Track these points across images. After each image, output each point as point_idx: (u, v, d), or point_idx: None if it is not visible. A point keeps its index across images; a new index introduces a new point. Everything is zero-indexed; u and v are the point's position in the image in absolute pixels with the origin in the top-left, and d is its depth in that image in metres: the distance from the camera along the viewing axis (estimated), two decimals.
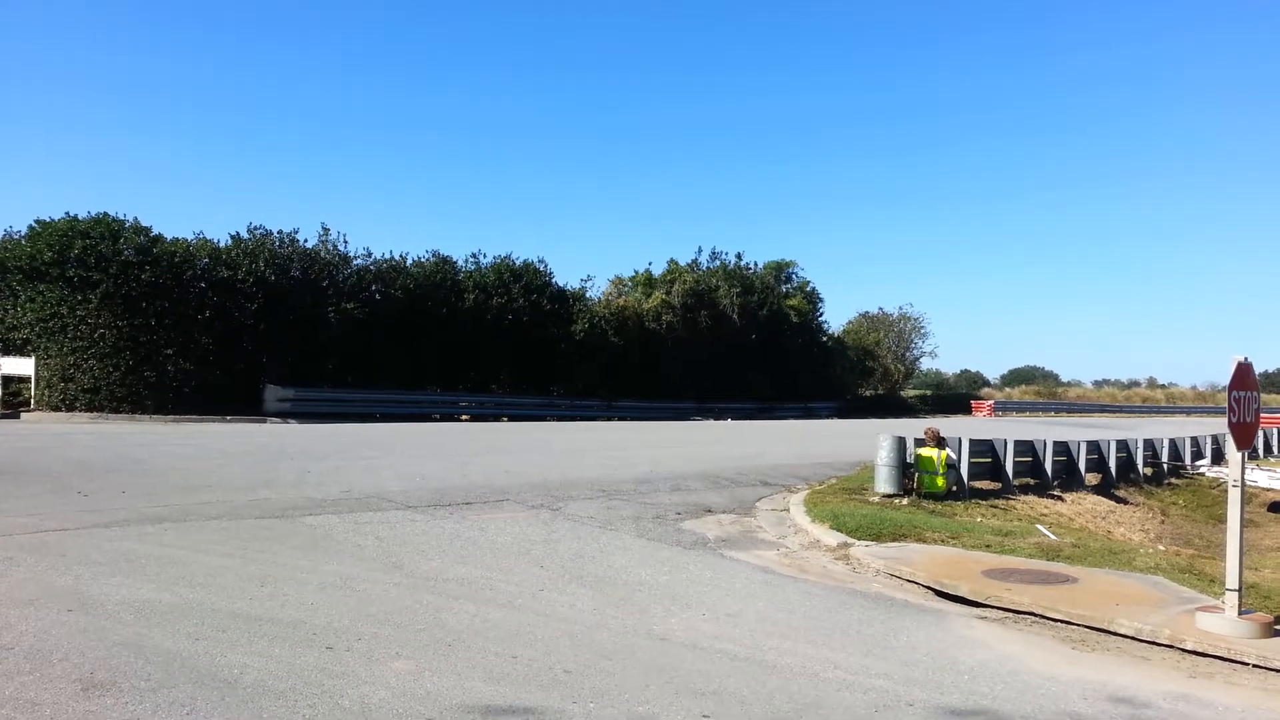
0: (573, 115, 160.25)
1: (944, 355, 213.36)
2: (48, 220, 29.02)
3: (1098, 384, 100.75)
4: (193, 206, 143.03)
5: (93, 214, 29.21)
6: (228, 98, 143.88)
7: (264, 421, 28.08)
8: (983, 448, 16.50)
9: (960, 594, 7.86)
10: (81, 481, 11.75)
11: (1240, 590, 6.63)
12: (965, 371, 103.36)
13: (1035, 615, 7.24)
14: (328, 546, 8.46)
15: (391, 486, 12.47)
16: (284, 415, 29.22)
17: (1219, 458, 26.40)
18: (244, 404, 29.08)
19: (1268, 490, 23.09)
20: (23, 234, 29.76)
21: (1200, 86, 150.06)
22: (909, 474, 14.05)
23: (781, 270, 55.52)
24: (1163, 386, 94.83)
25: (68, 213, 29.19)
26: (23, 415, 26.42)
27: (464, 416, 34.90)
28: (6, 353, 28.49)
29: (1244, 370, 6.95)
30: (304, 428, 25.84)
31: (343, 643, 5.47)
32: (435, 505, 11.07)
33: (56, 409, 27.27)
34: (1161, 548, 12.39)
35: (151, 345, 28.16)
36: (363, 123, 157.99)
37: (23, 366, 27.88)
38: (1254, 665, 6.04)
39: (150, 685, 4.57)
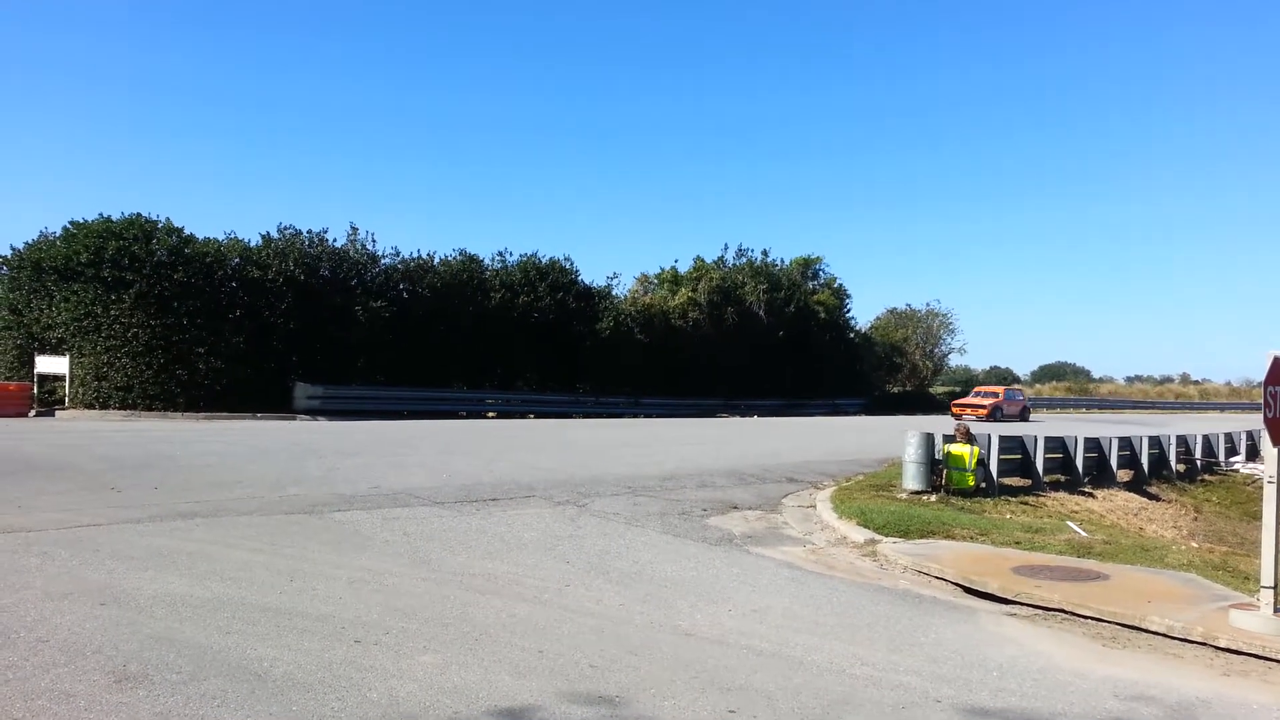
0: (600, 113, 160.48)
1: (973, 351, 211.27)
2: (82, 221, 29.49)
3: (1130, 380, 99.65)
4: (224, 207, 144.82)
5: (126, 215, 29.65)
6: (259, 98, 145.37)
7: (294, 419, 28.36)
8: (1012, 444, 16.34)
9: (989, 591, 7.79)
10: (114, 478, 11.92)
11: (1276, 588, 6.52)
12: (995, 368, 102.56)
13: (1065, 612, 7.16)
14: (356, 542, 8.53)
15: (419, 483, 12.54)
16: (313, 413, 29.50)
17: (1254, 454, 26.01)
18: (274, 402, 29.38)
19: None
20: (58, 235, 30.21)
21: (1242, 79, 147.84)
22: (937, 470, 13.94)
23: (809, 266, 55.26)
24: (1196, 383, 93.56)
25: (101, 214, 29.69)
26: (57, 413, 26.84)
27: (490, 414, 35.05)
28: (42, 352, 28.93)
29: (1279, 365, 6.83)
30: (333, 425, 26.05)
31: (371, 636, 5.51)
32: (462, 501, 11.13)
33: (90, 407, 27.67)
34: (1194, 545, 12.23)
35: (183, 344, 28.52)
36: (392, 123, 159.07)
37: (58, 365, 28.31)
38: None
39: (182, 678, 4.63)
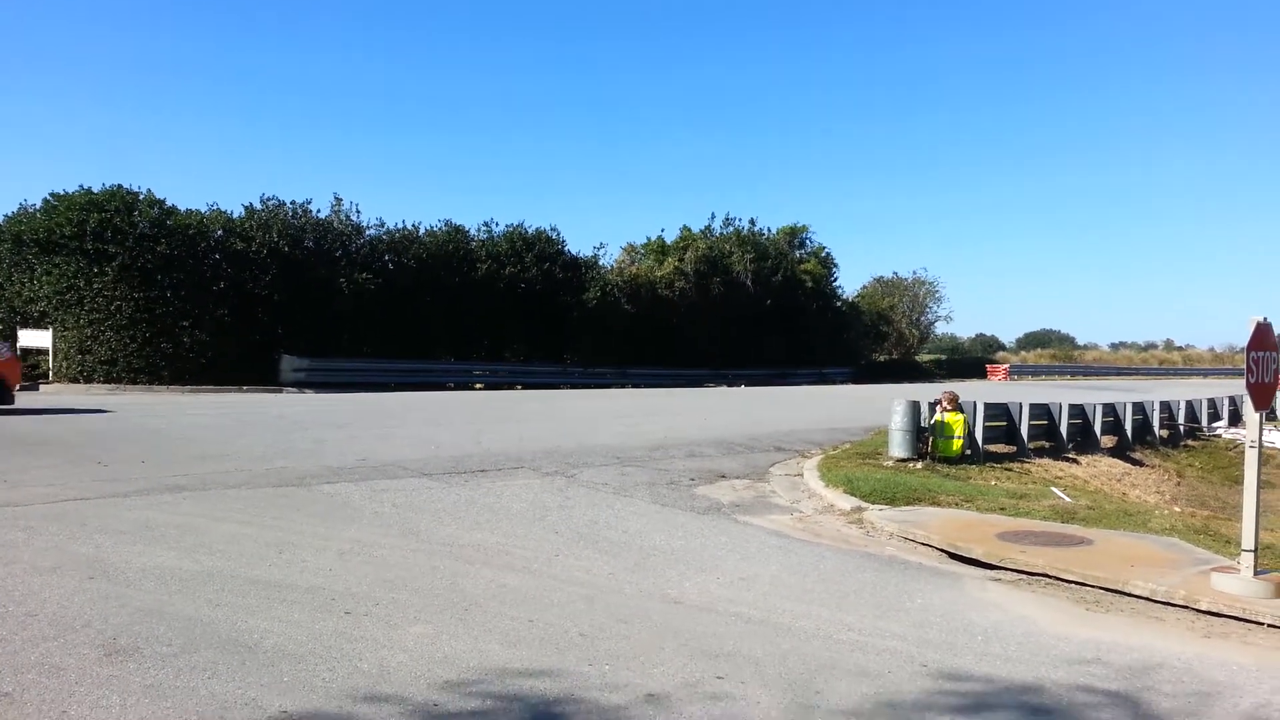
0: (587, 83, 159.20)
1: (959, 319, 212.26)
2: (62, 193, 29.14)
3: (1114, 347, 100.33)
4: (205, 179, 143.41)
5: (107, 186, 29.31)
6: (237, 70, 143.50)
7: (280, 391, 28.26)
8: (997, 411, 16.44)
9: (974, 557, 7.87)
10: (100, 452, 11.88)
11: (1256, 551, 6.61)
12: (980, 335, 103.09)
13: (1049, 577, 7.24)
14: (345, 513, 8.54)
15: (407, 454, 12.55)
16: (300, 385, 29.39)
17: (1236, 419, 26.28)
18: (260, 374, 29.25)
19: None
20: (38, 207, 29.87)
21: (1221, 45, 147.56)
22: (923, 438, 14.03)
23: (795, 235, 55.19)
24: (1180, 349, 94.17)
25: (82, 186, 29.33)
26: (41, 387, 26.66)
27: (478, 385, 35.01)
28: (24, 325, 28.70)
29: (1263, 330, 6.88)
30: (320, 397, 25.99)
31: (361, 608, 5.53)
32: (451, 473, 11.14)
33: (74, 381, 27.51)
34: (1177, 509, 12.37)
35: (167, 317, 28.33)
36: (373, 93, 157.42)
37: (40, 339, 28.11)
38: (1269, 625, 6.03)
39: (172, 650, 4.64)
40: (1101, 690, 4.71)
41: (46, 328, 28.08)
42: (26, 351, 28.51)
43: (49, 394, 25.37)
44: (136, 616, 5.16)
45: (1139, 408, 22.17)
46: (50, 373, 27.91)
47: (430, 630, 5.18)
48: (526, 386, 35.37)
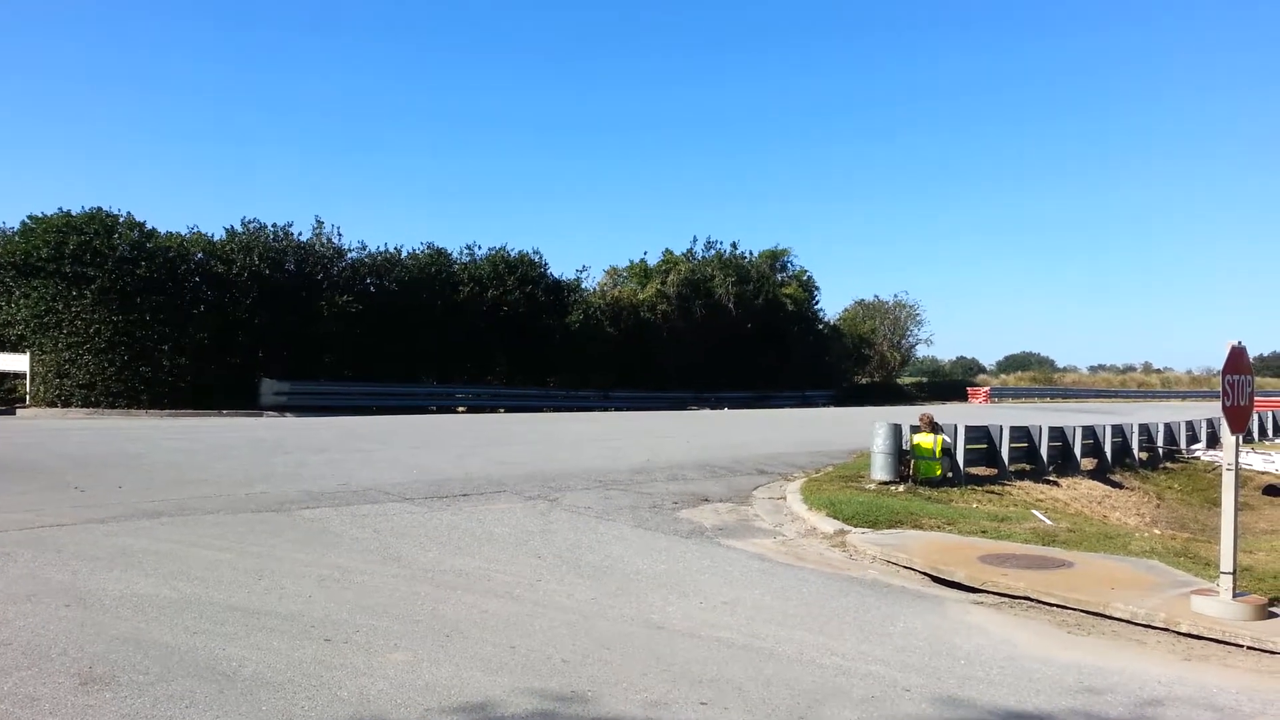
0: (566, 105, 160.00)
1: (939, 342, 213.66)
2: (41, 215, 28.90)
3: (1093, 369, 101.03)
4: (185, 201, 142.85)
5: (86, 209, 29.13)
6: (218, 92, 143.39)
7: (260, 415, 28.04)
8: (978, 434, 16.53)
9: (956, 580, 7.89)
10: (78, 477, 11.74)
11: (1235, 573, 6.66)
12: (961, 358, 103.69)
13: (1031, 600, 7.27)
14: (325, 539, 8.47)
15: (388, 479, 12.47)
16: (280, 409, 29.18)
17: (1214, 441, 26.48)
18: (240, 398, 29.01)
19: (1263, 474, 23.16)
20: (15, 230, 29.64)
21: (1195, 70, 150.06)
22: (905, 461, 14.08)
23: (777, 258, 55.39)
24: (1158, 371, 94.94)
25: (61, 208, 29.10)
26: (18, 411, 26.34)
27: (460, 408, 34.87)
28: (1, 349, 28.39)
29: (1238, 354, 6.97)
30: (300, 421, 25.82)
31: (341, 635, 5.48)
32: (432, 497, 11.08)
33: (52, 405, 27.20)
34: (1157, 532, 12.44)
35: (147, 340, 28.08)
36: (355, 115, 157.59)
37: (18, 363, 27.80)
38: (1248, 647, 6.08)
39: (149, 679, 4.58)
40: (1083, 714, 4.72)
41: (24, 351, 27.78)
42: (3, 375, 28.21)
43: (26, 418, 25.10)
44: (113, 645, 5.09)
45: (1118, 430, 22.34)
46: (28, 396, 27.60)
47: (411, 657, 5.14)
48: (509, 409, 35.24)
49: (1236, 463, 6.86)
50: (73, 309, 27.43)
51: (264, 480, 12.07)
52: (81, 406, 27.11)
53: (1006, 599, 7.37)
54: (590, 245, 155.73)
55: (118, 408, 27.24)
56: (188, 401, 27.99)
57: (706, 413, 37.88)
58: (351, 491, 11.26)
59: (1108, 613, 6.82)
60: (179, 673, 4.69)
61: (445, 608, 6.25)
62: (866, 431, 14.76)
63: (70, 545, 7.68)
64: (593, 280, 44.86)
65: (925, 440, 14.23)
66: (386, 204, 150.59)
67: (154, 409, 27.29)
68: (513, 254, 39.17)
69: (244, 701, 4.35)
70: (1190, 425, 27.89)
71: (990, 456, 16.82)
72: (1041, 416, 27.75)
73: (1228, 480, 6.83)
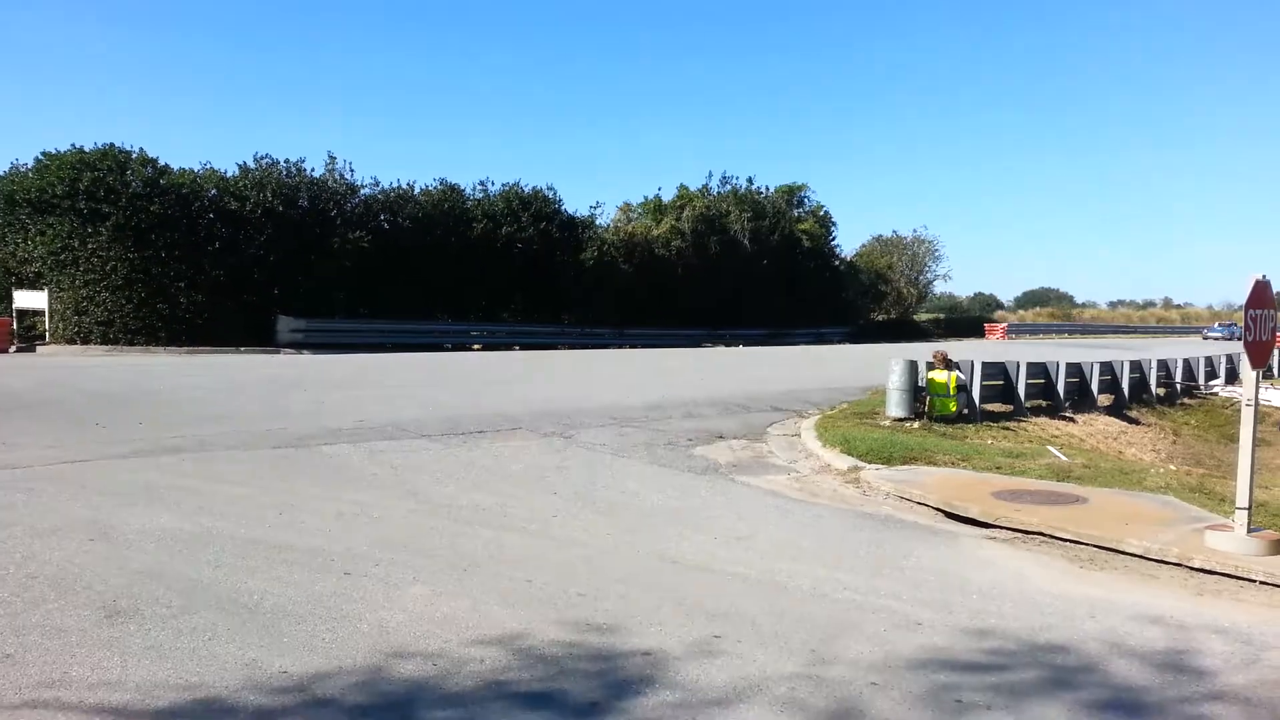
0: (582, 38, 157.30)
1: (958, 278, 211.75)
2: (54, 152, 28.85)
3: (1113, 305, 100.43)
4: (198, 138, 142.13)
5: (99, 145, 29.02)
6: (229, 27, 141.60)
7: (277, 352, 28.23)
8: (995, 370, 16.45)
9: (970, 515, 7.91)
10: (98, 413, 11.87)
11: (1250, 508, 6.64)
12: (979, 294, 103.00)
13: (1044, 535, 7.29)
14: (344, 475, 8.56)
15: (405, 416, 12.56)
16: (297, 346, 29.36)
17: (1233, 377, 26.32)
18: (257, 335, 29.20)
19: None
20: (30, 167, 29.59)
21: (1221, 5, 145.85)
22: (920, 398, 14.06)
23: (793, 194, 54.81)
24: (1178, 307, 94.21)
25: (74, 144, 29.03)
26: (38, 348, 26.62)
27: (475, 346, 34.99)
28: (19, 286, 28.56)
29: (1261, 288, 6.85)
30: (317, 358, 25.97)
31: (360, 568, 5.55)
32: (449, 434, 11.16)
33: (71, 342, 27.45)
34: (1173, 467, 12.41)
35: (163, 277, 28.20)
36: (369, 51, 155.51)
37: (36, 300, 27.99)
38: (1261, 582, 6.08)
39: (172, 611, 4.67)
40: (1094, 646, 4.75)
41: (42, 289, 27.95)
42: (22, 313, 28.42)
43: (46, 355, 25.35)
44: (136, 578, 5.18)
45: (1136, 366, 22.19)
46: (47, 334, 27.83)
47: (429, 591, 5.21)
48: (524, 347, 35.33)
49: (1256, 398, 6.80)
50: (89, 246, 27.51)
51: (282, 416, 12.17)
52: (100, 343, 27.36)
53: (1020, 534, 7.39)
54: (605, 181, 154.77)
55: (136, 345, 27.48)
56: (205, 338, 28.19)
57: (721, 350, 37.87)
58: (369, 428, 11.35)
59: (1121, 548, 6.83)
60: (201, 605, 4.77)
61: (463, 542, 6.32)
62: (882, 369, 14.72)
63: (93, 481, 7.79)
64: (607, 217, 44.68)
65: (939, 376, 14.18)
66: (399, 139, 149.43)
67: (172, 346, 27.52)
68: (527, 190, 38.93)
69: (266, 633, 4.42)
70: (1209, 361, 27.69)
71: (1006, 393, 16.76)
72: (1058, 353, 27.61)
73: (1246, 415, 6.78)
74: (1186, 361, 25.88)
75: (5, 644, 4.16)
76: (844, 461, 10.30)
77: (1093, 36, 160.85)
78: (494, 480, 8.62)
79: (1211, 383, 26.66)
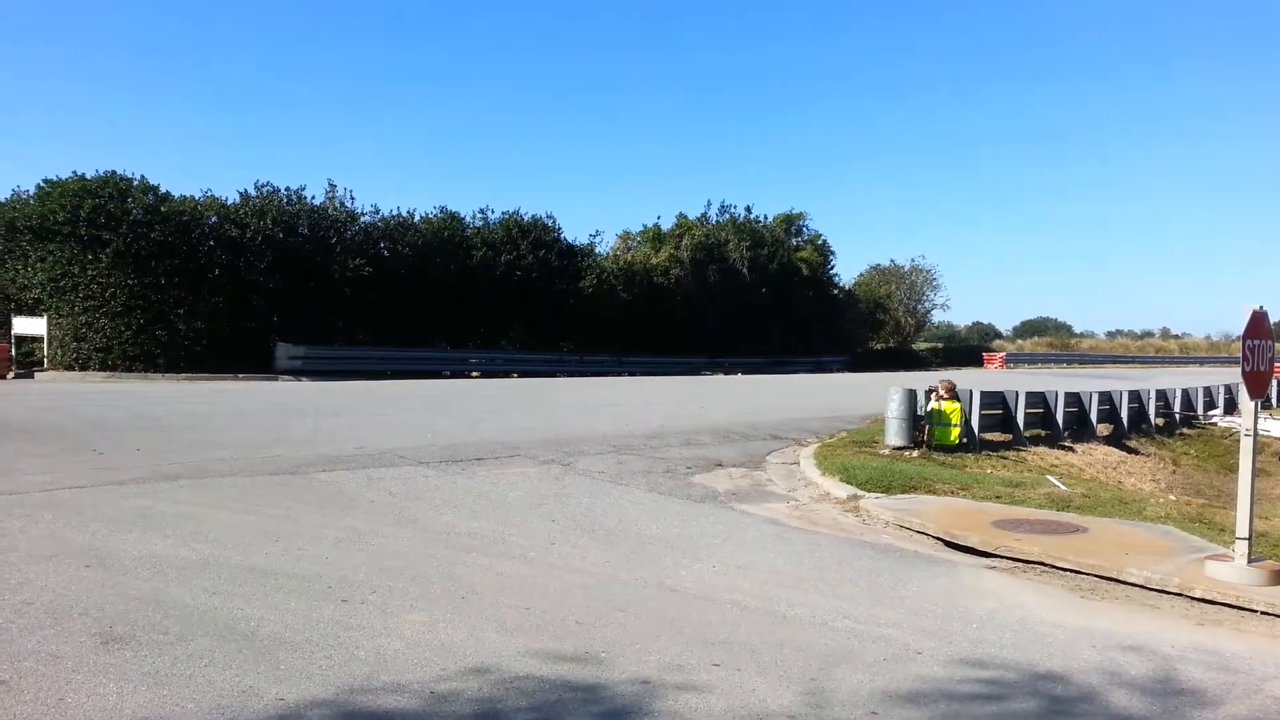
0: (581, 68, 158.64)
1: (956, 307, 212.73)
2: (56, 179, 28.97)
3: (1111, 335, 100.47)
4: (199, 165, 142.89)
5: (101, 173, 29.18)
6: (231, 55, 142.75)
7: (276, 379, 28.21)
8: (994, 399, 16.46)
9: (970, 544, 7.89)
10: (96, 440, 11.85)
11: (1250, 538, 6.63)
12: (977, 323, 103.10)
13: (1045, 565, 7.27)
14: (341, 502, 8.54)
15: (403, 443, 12.54)
16: (295, 373, 29.34)
17: (1232, 407, 26.33)
18: (255, 362, 29.19)
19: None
20: (31, 193, 29.72)
21: (1216, 33, 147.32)
22: (919, 426, 14.05)
23: (792, 223, 55.02)
24: (1176, 337, 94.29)
25: (75, 172, 29.17)
26: (36, 375, 26.59)
27: (474, 373, 34.97)
28: (19, 313, 28.58)
29: (1259, 319, 6.89)
30: (316, 385, 25.96)
31: (358, 595, 5.53)
32: (447, 461, 11.14)
33: (70, 368, 27.44)
34: (1172, 497, 12.40)
35: (162, 304, 28.24)
36: (370, 80, 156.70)
37: (35, 326, 28.01)
38: (1262, 613, 6.06)
39: (169, 638, 4.64)
40: (1095, 677, 4.72)
41: (41, 315, 27.98)
42: (21, 339, 28.41)
43: (45, 381, 25.33)
44: (133, 605, 5.16)
45: (1135, 396, 22.21)
46: (45, 360, 27.82)
47: (427, 618, 5.18)
48: (523, 374, 35.32)
49: (1255, 428, 6.81)
50: (89, 272, 27.58)
51: (280, 444, 12.15)
52: (99, 370, 27.35)
53: (1020, 564, 7.37)
54: (604, 210, 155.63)
55: (135, 371, 27.48)
56: (204, 365, 28.18)
57: (720, 378, 37.86)
58: (367, 455, 11.33)
59: (1121, 578, 6.81)
60: (198, 632, 4.75)
61: (461, 569, 6.30)
62: (881, 397, 14.72)
63: (90, 507, 7.77)
64: (606, 245, 44.79)
65: (947, 406, 14.15)
66: (399, 168, 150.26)
67: (170, 372, 27.50)
68: (526, 218, 39.08)
69: (262, 660, 4.40)
70: (1208, 391, 27.71)
71: (1005, 422, 16.76)
72: (1057, 382, 27.62)
73: (1245, 445, 6.78)
74: (1185, 392, 25.90)
75: (1, 670, 4.13)
76: (843, 490, 10.28)
77: (1090, 67, 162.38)
78: (492, 508, 8.59)
79: (1210, 413, 26.67)
